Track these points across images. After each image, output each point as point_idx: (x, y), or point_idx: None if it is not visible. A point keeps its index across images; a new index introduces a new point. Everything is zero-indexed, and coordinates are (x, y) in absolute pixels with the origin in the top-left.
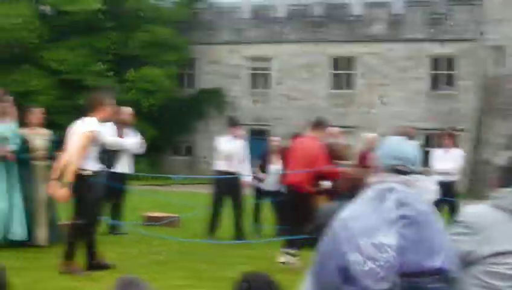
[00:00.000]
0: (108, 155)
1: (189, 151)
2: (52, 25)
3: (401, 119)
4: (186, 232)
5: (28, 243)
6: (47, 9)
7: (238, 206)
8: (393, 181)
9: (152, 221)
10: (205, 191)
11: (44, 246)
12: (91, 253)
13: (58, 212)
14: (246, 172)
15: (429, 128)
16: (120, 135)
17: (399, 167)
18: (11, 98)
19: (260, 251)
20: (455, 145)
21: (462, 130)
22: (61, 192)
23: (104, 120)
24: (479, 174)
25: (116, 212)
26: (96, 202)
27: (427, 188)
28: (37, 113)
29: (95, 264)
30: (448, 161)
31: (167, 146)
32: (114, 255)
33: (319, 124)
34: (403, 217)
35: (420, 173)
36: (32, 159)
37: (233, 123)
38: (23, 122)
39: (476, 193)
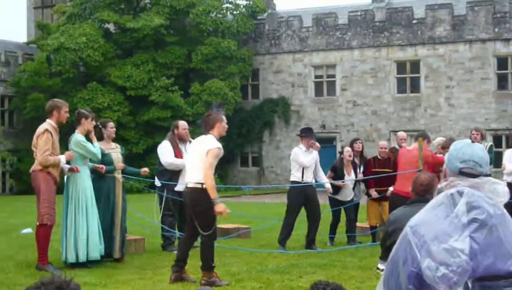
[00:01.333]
0: (172, 172)
1: (256, 161)
2: (116, 43)
3: (469, 121)
4: (257, 243)
5: (105, 256)
6: (111, 27)
7: (315, 217)
8: (463, 184)
9: (224, 233)
10: (274, 201)
11: (118, 260)
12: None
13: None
14: (323, 180)
15: (498, 128)
16: (177, 152)
17: (466, 170)
18: (94, 114)
19: (332, 259)
20: None
21: None
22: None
23: (220, 136)
24: None
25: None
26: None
27: (498, 190)
28: (110, 127)
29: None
30: None
31: (235, 157)
32: (187, 268)
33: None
34: (474, 220)
35: (489, 175)
36: (113, 172)
37: (308, 134)
38: (98, 137)
39: None
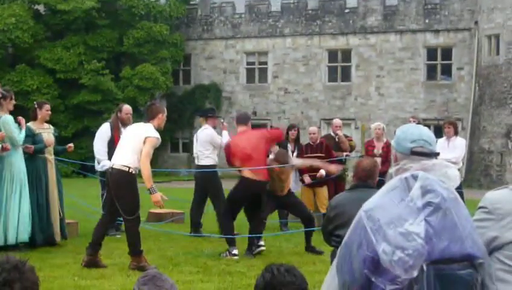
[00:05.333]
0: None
1: (187, 147)
2: (47, 24)
3: (399, 110)
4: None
5: (42, 240)
6: (41, 8)
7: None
8: (415, 167)
9: (157, 218)
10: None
11: (56, 244)
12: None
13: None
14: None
15: (427, 118)
16: (116, 135)
17: (418, 149)
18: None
19: (268, 245)
20: (456, 133)
21: (458, 119)
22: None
23: (159, 127)
24: (475, 163)
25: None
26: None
27: (449, 174)
28: (45, 109)
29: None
30: (451, 149)
31: (165, 143)
32: (121, 252)
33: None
34: (429, 204)
35: (438, 153)
36: (43, 153)
37: (215, 114)
38: (31, 117)
39: (472, 181)
